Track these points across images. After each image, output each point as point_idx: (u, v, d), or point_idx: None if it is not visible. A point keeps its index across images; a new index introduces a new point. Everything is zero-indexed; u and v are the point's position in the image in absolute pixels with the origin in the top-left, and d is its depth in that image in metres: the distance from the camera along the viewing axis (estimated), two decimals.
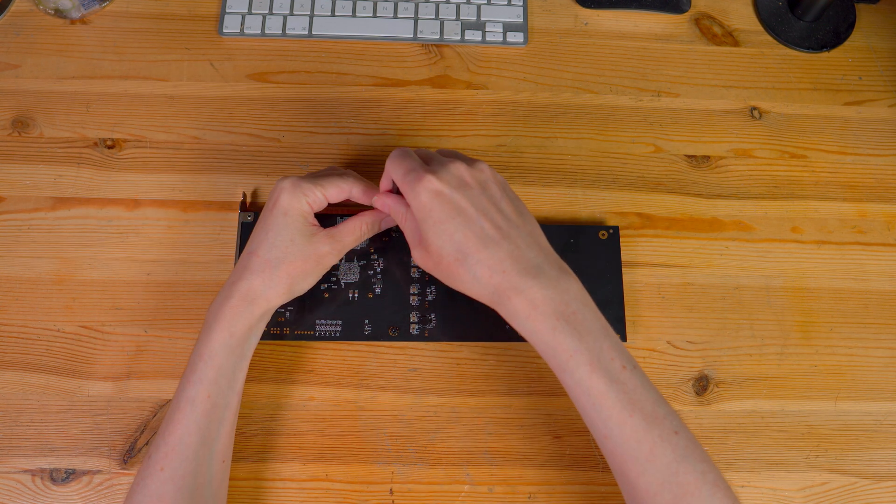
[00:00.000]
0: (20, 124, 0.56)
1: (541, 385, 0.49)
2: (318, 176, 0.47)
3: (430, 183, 0.40)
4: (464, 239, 0.40)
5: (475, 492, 0.47)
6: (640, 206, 0.55)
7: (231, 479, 0.46)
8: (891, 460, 0.48)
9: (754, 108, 0.58)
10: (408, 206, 0.43)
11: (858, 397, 0.50)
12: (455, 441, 0.48)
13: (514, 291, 0.39)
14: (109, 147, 0.55)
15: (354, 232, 0.47)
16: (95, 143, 0.55)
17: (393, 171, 0.43)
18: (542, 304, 0.38)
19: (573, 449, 0.48)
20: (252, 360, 0.49)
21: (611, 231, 0.52)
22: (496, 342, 0.50)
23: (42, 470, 0.46)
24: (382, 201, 0.46)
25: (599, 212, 0.54)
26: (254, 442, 0.47)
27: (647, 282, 0.52)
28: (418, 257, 0.43)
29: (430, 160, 0.44)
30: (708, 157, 0.56)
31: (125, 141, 0.55)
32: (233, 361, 0.42)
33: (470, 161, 0.43)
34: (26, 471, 0.46)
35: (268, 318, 0.45)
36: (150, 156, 0.55)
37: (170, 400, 0.48)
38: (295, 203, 0.44)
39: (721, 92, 0.59)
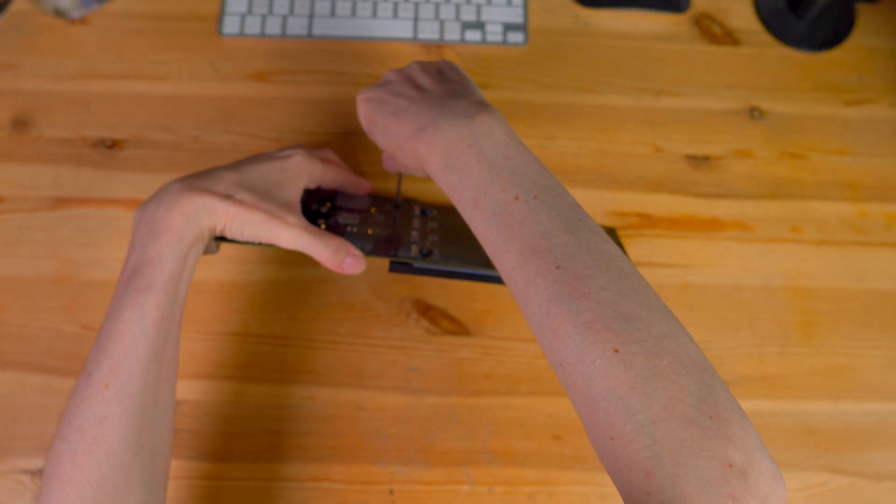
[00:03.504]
0: (20, 124, 0.56)
1: (541, 385, 0.49)
2: (325, 160, 0.49)
3: (361, 94, 0.44)
4: (385, 121, 0.42)
5: (475, 492, 0.47)
6: (640, 206, 0.55)
7: (231, 479, 0.46)
8: (891, 460, 0.48)
9: (754, 108, 0.58)
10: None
11: (858, 397, 0.50)
12: (455, 441, 0.48)
13: (419, 142, 0.39)
14: (109, 147, 0.55)
15: (323, 246, 0.43)
16: (95, 143, 0.55)
17: None
18: (438, 145, 0.38)
19: (573, 449, 0.48)
20: (252, 360, 0.49)
21: (608, 231, 0.52)
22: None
23: (42, 470, 0.46)
24: None
25: (600, 212, 0.54)
26: (254, 442, 0.47)
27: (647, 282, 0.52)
28: (396, 161, 0.44)
29: None
30: (708, 157, 0.56)
31: (125, 141, 0.55)
32: (180, 269, 0.39)
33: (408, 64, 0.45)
34: (26, 471, 0.46)
35: (207, 238, 0.42)
36: (150, 156, 0.55)
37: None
38: (301, 170, 0.45)
39: (721, 92, 0.59)
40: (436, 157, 0.38)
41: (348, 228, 0.47)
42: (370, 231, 0.47)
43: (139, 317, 0.37)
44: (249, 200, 0.41)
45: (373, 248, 0.45)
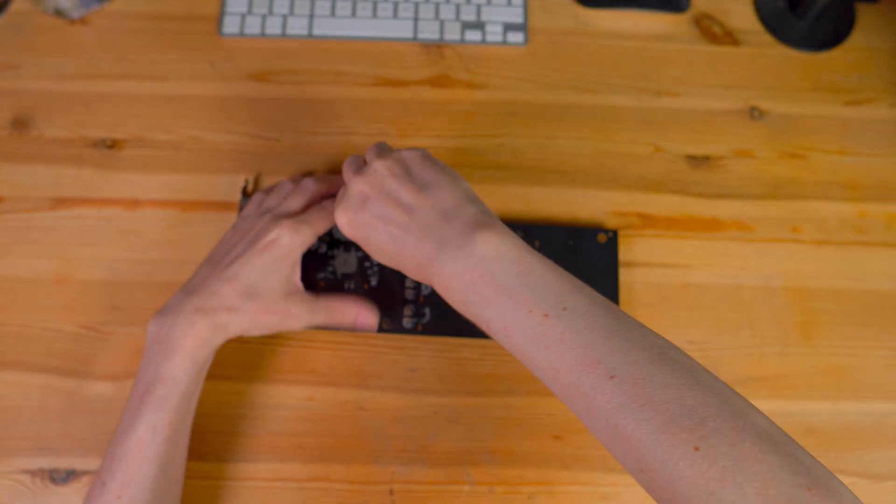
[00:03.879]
0: (20, 124, 0.56)
1: (541, 385, 0.49)
2: (308, 213, 0.47)
3: (342, 216, 0.42)
4: (385, 249, 0.41)
5: (475, 492, 0.47)
6: (640, 206, 0.55)
7: (230, 479, 0.46)
8: (891, 460, 0.48)
9: (754, 108, 0.58)
10: None
11: (858, 397, 0.50)
12: (455, 441, 0.48)
13: (431, 278, 0.39)
14: (109, 147, 0.55)
15: (335, 318, 0.47)
16: (95, 143, 0.55)
17: None
18: (449, 283, 0.37)
19: (573, 449, 0.48)
20: (252, 360, 0.49)
21: (610, 235, 0.52)
22: (491, 340, 0.50)
23: (42, 470, 0.46)
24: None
25: (599, 212, 0.54)
26: (254, 442, 0.47)
27: (647, 282, 0.52)
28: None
29: None
30: (708, 157, 0.56)
31: (125, 141, 0.55)
32: (193, 386, 0.42)
33: (369, 162, 0.43)
34: (26, 471, 0.46)
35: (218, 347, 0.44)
36: (150, 156, 0.55)
37: None
38: (292, 251, 0.45)
39: (721, 92, 0.59)
40: (452, 295, 0.38)
41: (346, 285, 0.50)
42: (365, 286, 0.50)
43: (151, 435, 0.40)
44: (256, 309, 0.43)
45: None
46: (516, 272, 0.36)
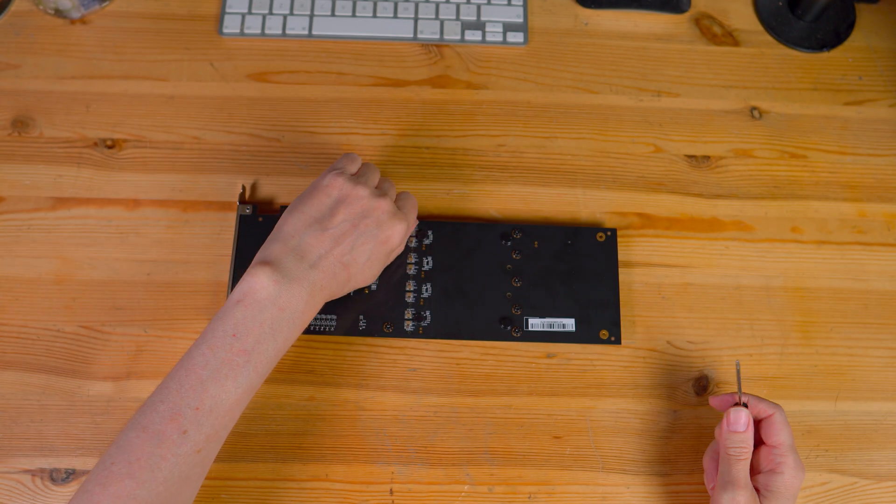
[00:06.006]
0: (20, 124, 0.56)
1: (541, 385, 0.49)
2: (408, 209, 0.49)
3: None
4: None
5: (475, 492, 0.47)
6: (640, 206, 0.55)
7: (231, 478, 0.46)
8: (891, 460, 0.48)
9: (754, 108, 0.58)
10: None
11: (858, 397, 0.50)
12: (455, 441, 0.48)
13: None
14: (109, 147, 0.55)
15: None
16: (95, 143, 0.55)
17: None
18: None
19: (573, 449, 0.48)
20: None
21: (608, 233, 0.52)
22: (491, 341, 0.50)
23: (42, 470, 0.46)
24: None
25: (599, 212, 0.54)
26: (254, 442, 0.47)
27: (647, 282, 0.52)
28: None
29: None
30: (708, 157, 0.56)
31: (125, 141, 0.55)
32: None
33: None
34: (26, 471, 0.46)
35: None
36: (150, 156, 0.55)
37: None
38: (399, 248, 0.48)
39: (721, 92, 0.59)
40: None
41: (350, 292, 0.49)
42: (366, 291, 0.50)
43: (246, 396, 0.40)
44: (351, 288, 0.47)
45: (366, 325, 0.49)
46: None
